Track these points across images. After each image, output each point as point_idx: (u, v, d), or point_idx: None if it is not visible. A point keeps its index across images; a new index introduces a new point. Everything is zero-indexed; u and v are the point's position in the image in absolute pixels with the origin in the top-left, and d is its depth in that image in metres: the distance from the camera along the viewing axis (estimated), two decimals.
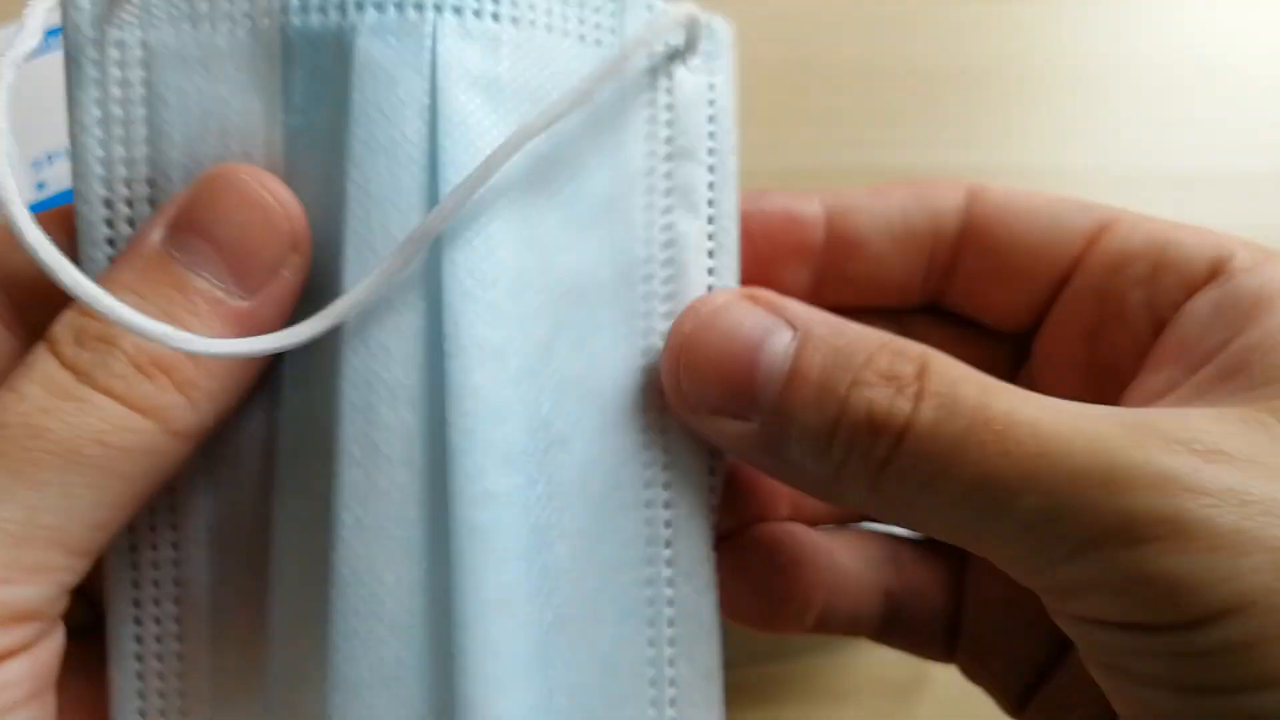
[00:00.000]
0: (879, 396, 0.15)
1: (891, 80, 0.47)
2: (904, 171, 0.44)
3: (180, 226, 0.15)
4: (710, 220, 0.21)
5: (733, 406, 0.17)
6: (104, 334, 0.15)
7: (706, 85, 0.21)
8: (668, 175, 0.20)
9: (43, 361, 0.15)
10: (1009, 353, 0.20)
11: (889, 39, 0.48)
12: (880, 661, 0.36)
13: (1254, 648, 0.13)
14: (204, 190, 0.15)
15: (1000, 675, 0.21)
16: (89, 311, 0.15)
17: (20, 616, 0.14)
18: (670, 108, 0.21)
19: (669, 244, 0.20)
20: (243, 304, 0.15)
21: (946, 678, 0.36)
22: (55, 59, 0.35)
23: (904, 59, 0.47)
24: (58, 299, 0.15)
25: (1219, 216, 0.43)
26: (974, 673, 0.22)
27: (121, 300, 0.14)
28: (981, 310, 0.20)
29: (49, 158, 0.33)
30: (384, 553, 0.16)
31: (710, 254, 0.21)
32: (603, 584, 0.20)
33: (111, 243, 0.17)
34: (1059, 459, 0.14)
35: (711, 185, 0.21)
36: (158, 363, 0.15)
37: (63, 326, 0.15)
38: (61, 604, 0.15)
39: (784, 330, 0.17)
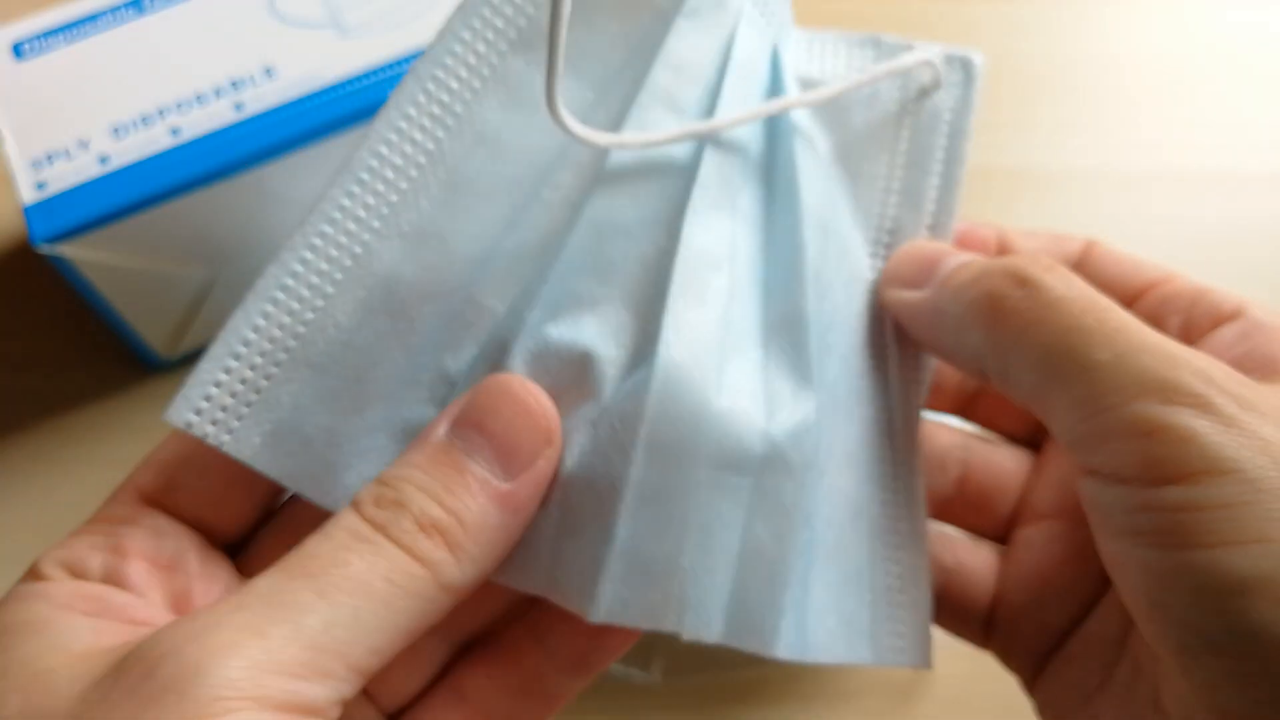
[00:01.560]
0: (1017, 262, 0.21)
1: None
2: None
3: (461, 421, 0.19)
4: (931, 218, 0.27)
5: (916, 280, 0.23)
6: (397, 499, 0.18)
7: (948, 109, 0.28)
8: (901, 179, 0.27)
9: (347, 516, 0.18)
10: None
11: None
12: None
13: (1231, 509, 0.17)
14: (482, 393, 0.19)
15: (1025, 641, 0.26)
16: (385, 482, 0.19)
17: (309, 710, 0.16)
18: (913, 127, 0.27)
19: (892, 231, 0.27)
20: (506, 486, 0.19)
21: (946, 677, 0.36)
22: (55, 59, 0.35)
23: None
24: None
25: (1219, 216, 0.44)
26: (1004, 644, 0.27)
27: (409, 476, 0.19)
28: None
29: (49, 157, 0.33)
30: None
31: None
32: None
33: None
34: (1135, 335, 0.19)
35: (937, 190, 0.27)
36: (435, 525, 0.18)
37: (366, 492, 0.19)
38: (335, 713, 0.17)
39: (975, 256, 0.23)
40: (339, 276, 0.21)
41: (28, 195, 0.33)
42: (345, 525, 0.18)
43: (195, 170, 0.33)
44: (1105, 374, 0.18)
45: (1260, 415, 0.17)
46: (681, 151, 0.23)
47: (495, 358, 0.21)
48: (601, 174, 0.22)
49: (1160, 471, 0.18)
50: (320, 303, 0.21)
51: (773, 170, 0.25)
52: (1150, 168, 0.45)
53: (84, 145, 0.34)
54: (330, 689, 0.17)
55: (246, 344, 0.21)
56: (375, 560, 0.17)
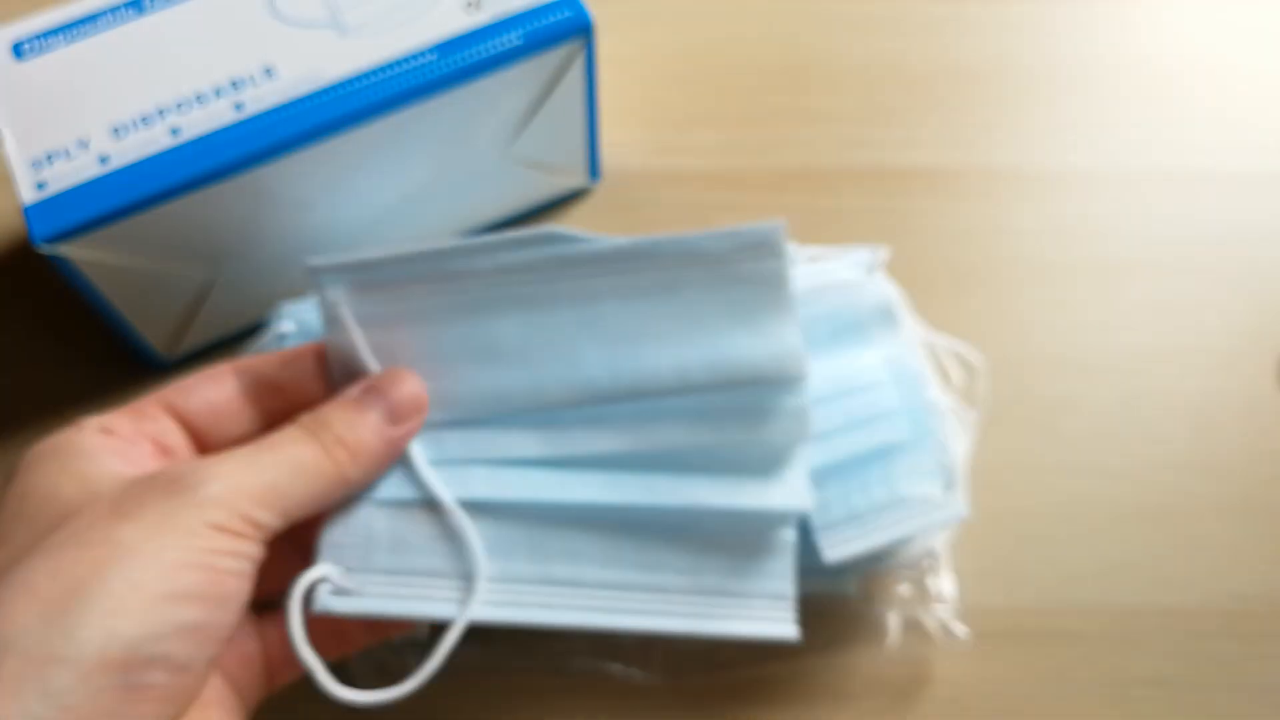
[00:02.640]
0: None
1: (891, 80, 0.47)
2: (904, 172, 0.44)
3: (369, 388, 0.28)
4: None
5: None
6: (325, 424, 0.27)
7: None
8: None
9: (293, 428, 0.27)
10: None
11: (889, 39, 0.48)
12: (880, 661, 0.36)
13: None
14: (385, 375, 0.28)
15: None
16: (316, 415, 0.27)
17: (255, 525, 0.25)
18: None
19: None
20: (390, 430, 0.28)
21: (946, 678, 0.36)
22: (55, 59, 0.35)
23: (904, 59, 0.47)
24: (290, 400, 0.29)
25: (1219, 216, 0.44)
26: None
27: (333, 412, 0.27)
28: None
29: (49, 157, 0.33)
30: None
31: None
32: None
33: None
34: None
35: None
36: (344, 443, 0.27)
37: (306, 417, 0.27)
38: (268, 534, 0.26)
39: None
40: None
41: (28, 195, 0.33)
42: (294, 432, 0.27)
43: (195, 170, 0.33)
44: None
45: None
46: None
47: None
48: None
49: None
50: None
51: None
52: (1148, 168, 0.45)
53: (84, 145, 0.34)
54: (270, 518, 0.25)
55: None
56: (308, 452, 0.26)
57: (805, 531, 0.31)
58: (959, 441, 0.34)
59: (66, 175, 0.33)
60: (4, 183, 0.34)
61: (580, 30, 0.36)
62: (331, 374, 0.29)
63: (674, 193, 0.44)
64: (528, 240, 0.29)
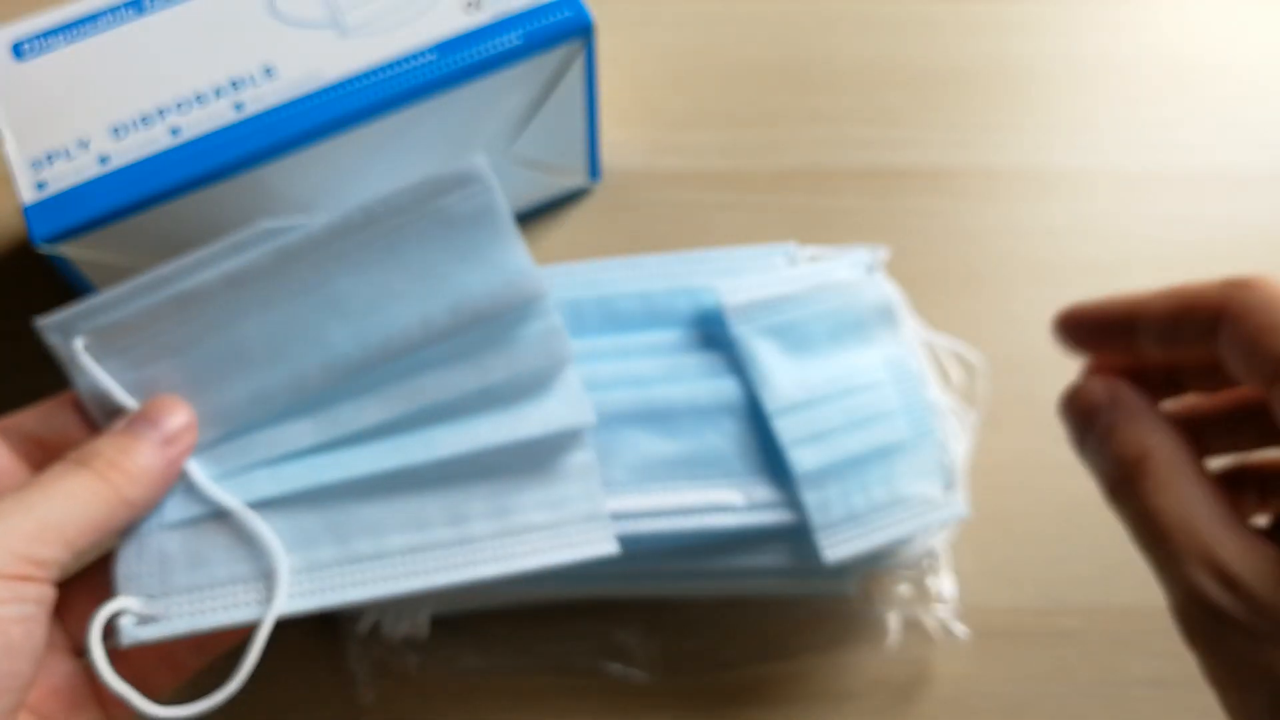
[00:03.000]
0: None
1: (891, 80, 0.47)
2: (904, 171, 0.44)
3: (136, 418, 0.28)
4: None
5: None
6: (95, 453, 0.27)
7: None
8: None
9: (64, 462, 0.27)
10: None
11: (889, 39, 0.48)
12: (880, 661, 0.36)
13: None
14: (150, 404, 0.29)
15: None
16: (83, 448, 0.27)
17: (37, 564, 0.25)
18: None
19: None
20: (165, 450, 0.28)
21: (947, 677, 0.36)
22: (55, 59, 0.35)
23: (904, 59, 0.47)
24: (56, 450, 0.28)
25: (1219, 216, 0.44)
26: None
27: (103, 442, 0.27)
28: None
29: (49, 157, 0.33)
30: None
31: None
32: None
33: None
34: None
35: None
36: (117, 466, 0.27)
37: (73, 453, 0.27)
38: (56, 571, 0.25)
39: None
40: None
41: (28, 195, 0.33)
42: (62, 466, 0.27)
43: (195, 170, 0.33)
44: None
45: None
46: None
47: None
48: None
49: None
50: None
51: None
52: (1150, 168, 0.45)
53: (84, 145, 0.34)
54: (53, 552, 0.25)
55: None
56: (81, 481, 0.26)
57: (805, 531, 0.31)
58: (959, 441, 0.34)
59: (66, 175, 0.33)
60: (4, 183, 0.34)
61: (580, 30, 0.36)
62: (95, 420, 0.29)
63: (674, 193, 0.44)
64: (245, 242, 0.29)
